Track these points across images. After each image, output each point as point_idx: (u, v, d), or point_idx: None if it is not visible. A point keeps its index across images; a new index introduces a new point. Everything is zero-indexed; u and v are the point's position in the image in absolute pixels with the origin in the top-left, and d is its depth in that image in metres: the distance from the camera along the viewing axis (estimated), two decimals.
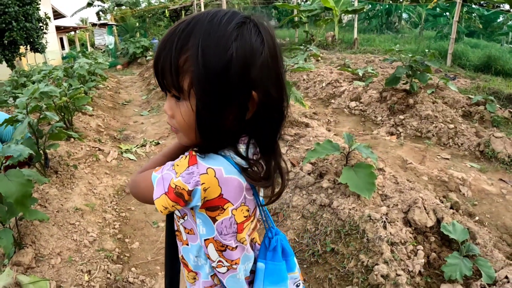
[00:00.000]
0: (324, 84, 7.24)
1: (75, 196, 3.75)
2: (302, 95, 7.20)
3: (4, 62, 14.48)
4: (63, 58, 21.93)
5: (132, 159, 5.20)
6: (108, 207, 3.82)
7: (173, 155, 1.02)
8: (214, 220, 0.91)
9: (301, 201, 2.94)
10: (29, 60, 17.76)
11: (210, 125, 0.83)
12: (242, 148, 0.90)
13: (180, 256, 1.11)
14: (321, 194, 2.89)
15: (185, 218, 1.00)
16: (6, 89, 7.16)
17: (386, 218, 2.48)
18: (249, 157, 0.90)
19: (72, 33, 30.65)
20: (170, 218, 1.12)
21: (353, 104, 6.12)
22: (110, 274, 2.84)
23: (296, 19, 14.93)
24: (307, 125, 4.63)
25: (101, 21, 25.96)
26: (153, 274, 2.87)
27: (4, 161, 2.58)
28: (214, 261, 0.99)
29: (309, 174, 3.16)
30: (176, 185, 0.84)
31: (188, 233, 1.02)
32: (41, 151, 3.71)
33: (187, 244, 1.04)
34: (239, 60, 0.78)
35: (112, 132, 6.45)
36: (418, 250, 2.40)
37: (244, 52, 0.78)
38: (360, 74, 7.12)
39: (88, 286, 2.70)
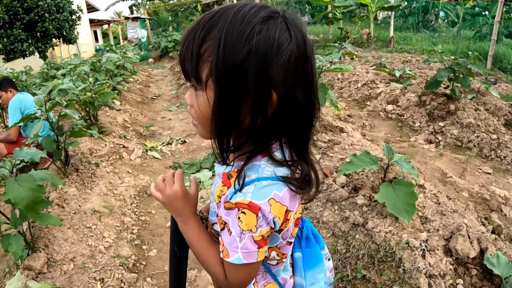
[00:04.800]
0: (359, 85, 6.91)
1: (94, 197, 3.66)
2: (336, 95, 6.93)
3: (36, 54, 14.91)
4: (96, 50, 22.35)
5: (157, 158, 5.06)
6: (128, 209, 3.70)
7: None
8: (280, 231, 0.93)
9: (332, 217, 2.68)
10: (62, 52, 18.16)
11: (224, 120, 0.81)
12: (277, 155, 0.88)
13: None
14: (355, 211, 2.62)
15: None
16: (35, 82, 7.20)
17: (426, 246, 2.21)
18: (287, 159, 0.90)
19: (106, 26, 31.20)
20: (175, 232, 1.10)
21: (389, 107, 5.78)
22: (124, 284, 2.73)
23: (330, 15, 14.52)
24: (341, 130, 4.37)
25: (134, 15, 26.27)
26: (168, 285, 2.72)
27: (18, 163, 2.47)
28: (268, 257, 1.02)
29: (342, 187, 2.90)
30: (261, 235, 0.85)
31: None
32: (61, 149, 3.62)
33: None
34: (259, 56, 0.75)
35: (139, 127, 6.35)
36: (457, 284, 2.14)
37: (265, 47, 0.75)
38: (397, 75, 6.75)
39: None
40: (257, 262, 0.89)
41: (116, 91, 6.99)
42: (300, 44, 0.79)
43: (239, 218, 0.85)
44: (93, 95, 4.63)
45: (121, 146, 5.04)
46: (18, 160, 2.57)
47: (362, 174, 2.92)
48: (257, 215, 0.83)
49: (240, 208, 0.84)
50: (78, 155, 4.22)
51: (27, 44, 14.08)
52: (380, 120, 5.63)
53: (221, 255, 0.91)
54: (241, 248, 0.86)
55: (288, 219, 0.90)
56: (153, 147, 5.40)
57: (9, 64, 13.24)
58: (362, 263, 2.31)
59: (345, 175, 2.88)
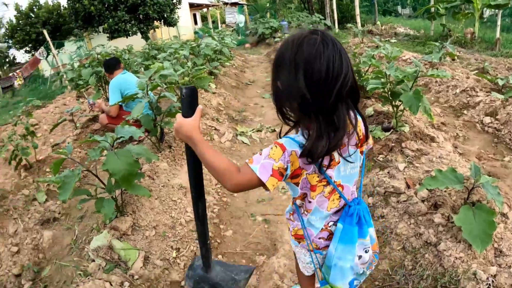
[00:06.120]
0: (457, 91, 6.47)
1: (183, 174, 3.89)
2: (433, 99, 6.57)
3: (139, 34, 16.17)
4: (195, 33, 23.29)
5: (246, 143, 5.20)
6: (212, 189, 3.86)
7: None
8: (297, 184, 1.37)
9: (406, 231, 2.65)
10: (163, 33, 19.33)
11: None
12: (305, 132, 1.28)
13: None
14: (430, 229, 2.55)
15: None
16: (137, 60, 7.81)
17: (493, 281, 2.10)
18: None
19: (205, 10, 32.25)
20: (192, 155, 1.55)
21: (487, 119, 5.36)
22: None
23: (432, 9, 13.55)
24: (432, 139, 4.17)
25: (233, 0, 26.75)
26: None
27: (118, 138, 2.77)
28: (300, 205, 1.50)
29: (423, 201, 2.81)
30: (278, 167, 1.26)
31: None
32: (158, 127, 3.95)
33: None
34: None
35: (231, 112, 6.49)
36: None
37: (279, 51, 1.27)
38: (500, 84, 6.17)
39: (174, 263, 2.82)
40: (260, 182, 1.26)
41: (213, 76, 7.32)
42: (290, 51, 1.21)
43: (271, 148, 1.28)
44: (191, 79, 4.92)
45: (213, 128, 5.25)
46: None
47: (445, 191, 2.81)
48: (283, 153, 1.26)
49: (275, 144, 1.28)
50: (172, 133, 4.51)
51: (130, 25, 15.38)
52: (475, 133, 5.26)
53: (247, 161, 1.31)
54: (261, 164, 1.26)
55: (300, 174, 1.32)
56: (243, 132, 5.53)
57: (112, 42, 14.55)
58: (424, 284, 2.27)
59: (427, 189, 2.81)
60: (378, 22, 17.01)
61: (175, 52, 5.98)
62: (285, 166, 1.26)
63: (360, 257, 1.45)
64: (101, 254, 2.73)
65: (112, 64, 5.03)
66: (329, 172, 1.34)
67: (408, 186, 3.04)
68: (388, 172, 3.29)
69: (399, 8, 25.30)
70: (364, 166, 1.48)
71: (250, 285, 2.59)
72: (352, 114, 1.27)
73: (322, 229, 1.49)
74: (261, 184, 1.27)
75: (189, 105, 1.46)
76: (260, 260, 2.83)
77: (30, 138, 4.74)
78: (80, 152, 5.28)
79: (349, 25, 14.60)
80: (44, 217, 3.72)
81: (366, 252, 1.45)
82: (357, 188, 1.53)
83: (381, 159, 3.61)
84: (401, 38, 14.02)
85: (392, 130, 3.97)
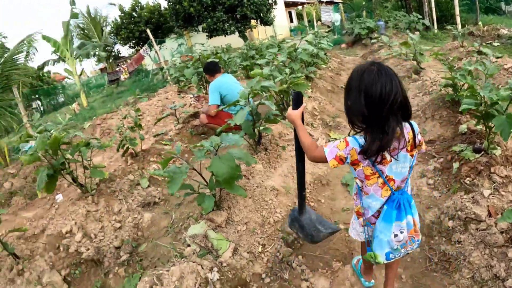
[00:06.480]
0: None
1: (276, 176, 4.14)
2: None
3: (236, 33, 16.89)
4: (291, 30, 23.42)
5: None
6: None
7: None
8: (355, 169, 1.90)
9: (479, 260, 2.65)
10: (259, 33, 19.84)
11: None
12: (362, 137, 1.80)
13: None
14: (502, 263, 2.52)
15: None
16: (236, 61, 8.28)
17: None
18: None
19: (300, 7, 32.19)
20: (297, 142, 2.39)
21: None
22: (280, 254, 3.13)
23: None
24: None
25: None
26: (314, 268, 3.01)
27: (220, 144, 3.13)
28: (361, 187, 1.99)
29: (501, 232, 2.74)
30: (340, 155, 1.83)
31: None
32: (256, 131, 4.29)
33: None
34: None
35: (325, 117, 6.47)
36: None
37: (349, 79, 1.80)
38: None
39: (258, 257, 3.10)
40: (325, 159, 1.87)
41: (309, 80, 7.37)
42: (356, 80, 1.72)
43: (340, 141, 1.85)
44: (289, 86, 5.10)
45: (308, 133, 5.40)
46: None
47: None
48: (346, 146, 1.82)
49: (344, 140, 1.84)
50: (268, 137, 4.80)
51: (228, 24, 16.19)
52: None
53: (324, 143, 1.89)
54: (330, 149, 1.86)
55: (357, 163, 1.84)
56: (335, 139, 5.36)
57: (211, 41, 15.43)
58: None
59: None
60: (480, 23, 15.53)
61: (273, 58, 6.28)
62: (346, 156, 1.82)
63: (396, 235, 1.90)
64: (197, 241, 3.08)
65: (212, 67, 5.57)
66: (381, 167, 1.84)
67: (489, 215, 2.96)
68: (473, 197, 3.20)
69: (502, 5, 22.46)
70: (413, 167, 1.94)
71: (324, 286, 2.81)
72: (401, 125, 1.70)
73: (375, 210, 1.99)
74: (326, 161, 1.87)
75: (296, 102, 2.27)
76: (336, 266, 2.98)
77: (137, 130, 5.40)
78: (181, 145, 5.81)
79: (448, 27, 13.58)
80: (146, 200, 4.33)
81: (401, 232, 1.90)
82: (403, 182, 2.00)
83: (468, 182, 3.50)
84: (504, 41, 12.62)
85: (483, 152, 3.80)
